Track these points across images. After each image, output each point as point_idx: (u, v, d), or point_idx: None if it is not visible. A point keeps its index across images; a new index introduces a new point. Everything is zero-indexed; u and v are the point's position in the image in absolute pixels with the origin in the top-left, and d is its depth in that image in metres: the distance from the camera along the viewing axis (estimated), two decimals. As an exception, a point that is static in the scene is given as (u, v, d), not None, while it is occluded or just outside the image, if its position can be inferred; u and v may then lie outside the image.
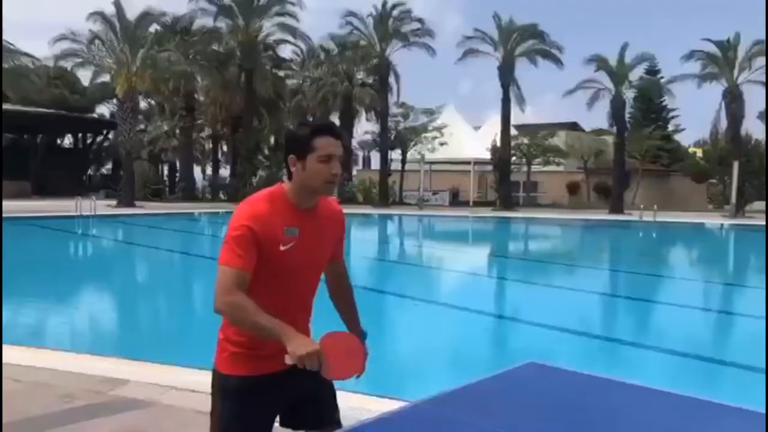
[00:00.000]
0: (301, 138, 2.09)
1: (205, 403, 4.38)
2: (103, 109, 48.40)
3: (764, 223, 26.60)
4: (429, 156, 36.39)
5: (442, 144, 35.20)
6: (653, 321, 9.04)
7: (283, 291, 2.11)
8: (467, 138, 38.50)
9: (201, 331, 7.35)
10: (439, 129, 35.46)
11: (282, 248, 2.05)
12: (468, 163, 38.48)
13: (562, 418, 2.00)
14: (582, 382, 2.35)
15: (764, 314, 7.59)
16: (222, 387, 2.15)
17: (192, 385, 4.63)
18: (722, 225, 27.47)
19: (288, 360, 1.89)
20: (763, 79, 31.19)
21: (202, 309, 9.04)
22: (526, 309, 9.24)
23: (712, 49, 31.57)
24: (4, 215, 20.68)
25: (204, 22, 34.60)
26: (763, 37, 28.55)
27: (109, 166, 47.22)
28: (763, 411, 1.98)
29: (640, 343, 7.40)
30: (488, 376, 2.32)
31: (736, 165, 29.72)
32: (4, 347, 5.46)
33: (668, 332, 7.98)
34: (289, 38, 35.94)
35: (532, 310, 9.00)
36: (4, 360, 5.11)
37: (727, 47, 31.15)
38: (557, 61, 33.18)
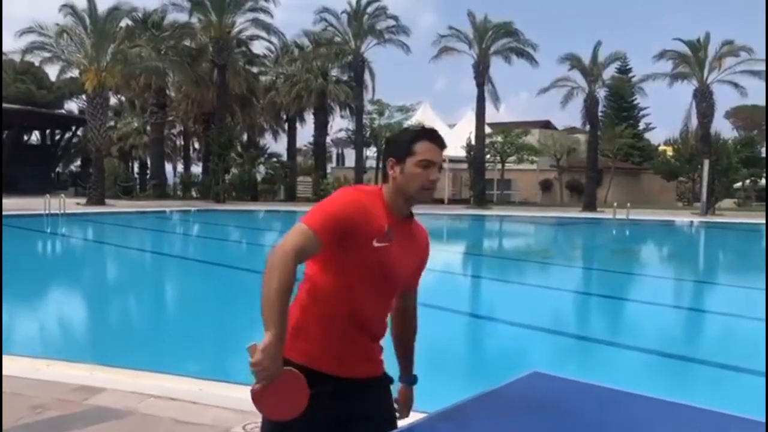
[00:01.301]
0: (403, 141, 2.08)
1: (185, 412, 4.27)
2: (72, 105, 47.61)
3: (734, 221, 27.20)
4: (404, 153, 36.24)
5: (417, 141, 35.11)
6: (631, 319, 9.06)
7: (354, 295, 2.01)
8: (442, 136, 38.39)
9: (178, 334, 7.20)
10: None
11: (375, 244, 1.99)
12: (442, 160, 38.33)
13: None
14: (587, 391, 2.27)
15: (759, 314, 7.64)
16: None
17: (171, 392, 4.46)
18: (692, 222, 27.87)
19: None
20: (731, 79, 31.80)
21: (179, 311, 8.85)
22: (504, 308, 9.20)
23: (683, 48, 32.01)
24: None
25: (176, 17, 34.14)
26: (731, 37, 29.07)
27: (78, 163, 46.40)
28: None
29: (617, 342, 7.40)
30: (493, 388, 2.22)
31: (706, 163, 30.15)
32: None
33: (646, 330, 7.99)
34: (263, 34, 35.65)
35: (510, 309, 8.97)
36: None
37: (698, 47, 31.58)
38: (532, 60, 33.36)
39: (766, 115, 32.02)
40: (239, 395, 3.98)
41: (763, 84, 30.86)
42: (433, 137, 2.08)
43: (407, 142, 2.06)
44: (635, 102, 53.98)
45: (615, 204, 27.50)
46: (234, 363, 5.83)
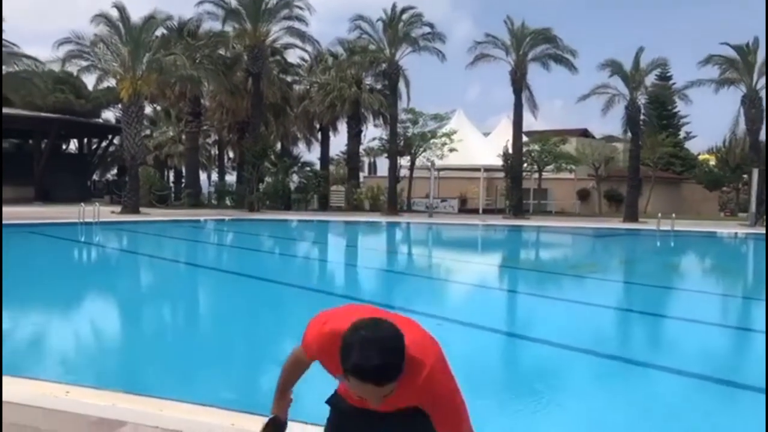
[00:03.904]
0: (342, 360, 1.82)
1: (215, 453, 3.77)
2: (109, 115, 48.11)
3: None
4: (438, 162, 35.76)
5: (451, 150, 34.54)
6: (681, 339, 8.29)
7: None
8: (476, 144, 37.87)
9: (211, 356, 6.69)
10: (448, 135, 34.81)
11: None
12: (477, 169, 37.84)
13: None
14: None
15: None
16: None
17: (199, 428, 3.97)
18: (739, 234, 26.75)
19: None
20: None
21: (213, 329, 8.37)
22: (549, 327, 8.51)
23: (730, 53, 30.89)
24: (3, 222, 20.16)
25: (211, 25, 34.15)
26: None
27: (115, 171, 46.80)
28: None
29: (667, 365, 6.68)
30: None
31: (755, 172, 28.96)
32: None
33: (696, 352, 7.29)
34: (297, 42, 35.41)
35: (555, 327, 8.31)
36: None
37: (747, 51, 30.45)
38: (570, 66, 32.53)
39: (765, 116, 30.59)
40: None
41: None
42: (366, 378, 1.77)
43: (344, 367, 1.82)
44: (676, 110, 52.68)
45: (659, 215, 26.52)
46: (269, 392, 5.31)
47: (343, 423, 2.27)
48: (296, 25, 33.85)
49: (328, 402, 2.33)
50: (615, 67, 31.65)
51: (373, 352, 1.74)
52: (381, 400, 1.80)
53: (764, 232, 26.45)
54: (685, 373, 6.25)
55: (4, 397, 4.40)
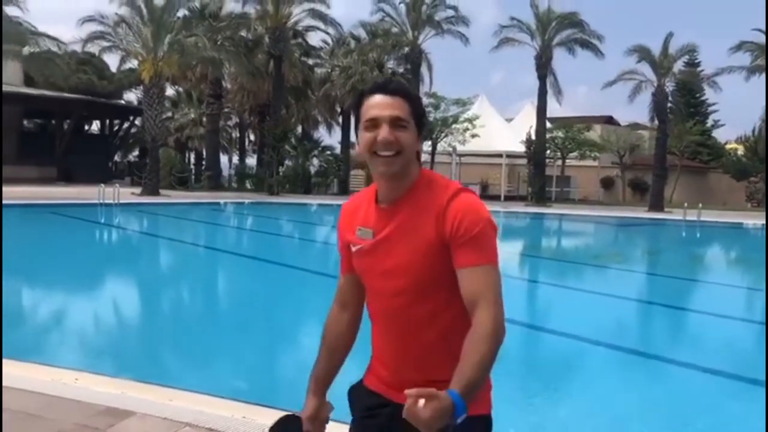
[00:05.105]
0: (355, 110, 1.76)
1: (226, 447, 3.60)
2: (131, 96, 48.21)
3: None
4: (459, 148, 35.39)
5: (473, 136, 34.13)
6: (709, 335, 7.99)
7: (374, 309, 1.82)
8: (499, 130, 37.41)
9: (226, 343, 6.54)
10: (470, 120, 34.38)
11: (353, 249, 1.80)
12: (499, 155, 37.40)
13: None
14: None
15: None
16: None
17: (210, 420, 3.79)
18: (764, 225, 26.13)
19: None
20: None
21: (229, 315, 8.22)
22: (572, 319, 8.25)
23: (763, 40, 30.05)
24: (24, 202, 20.25)
25: (233, 7, 33.97)
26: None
27: (136, 153, 46.97)
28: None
29: (694, 362, 6.40)
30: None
31: (786, 162, 28.25)
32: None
33: (725, 349, 7.00)
34: (319, 25, 35.11)
35: (578, 320, 8.05)
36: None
37: (780, 38, 29.63)
38: (597, 51, 31.90)
39: (765, 114, 29.81)
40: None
41: None
42: (377, 88, 1.70)
43: (355, 108, 1.75)
44: (704, 97, 51.61)
45: (685, 204, 25.98)
46: (285, 384, 5.15)
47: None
48: (318, 7, 33.61)
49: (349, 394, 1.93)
50: (643, 53, 30.98)
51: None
52: (391, 127, 1.65)
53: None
54: (710, 370, 6.00)
55: (11, 383, 4.28)
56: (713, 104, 53.43)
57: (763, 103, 31.96)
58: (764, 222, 26.90)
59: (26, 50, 26.05)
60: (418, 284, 1.69)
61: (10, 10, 24.08)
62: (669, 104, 34.33)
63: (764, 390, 5.02)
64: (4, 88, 31.15)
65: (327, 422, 1.88)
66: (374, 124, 1.66)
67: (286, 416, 1.86)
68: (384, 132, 1.64)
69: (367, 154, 1.69)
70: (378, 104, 1.67)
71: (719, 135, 54.84)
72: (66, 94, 33.30)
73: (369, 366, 1.89)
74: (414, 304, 1.71)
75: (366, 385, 1.87)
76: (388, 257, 1.71)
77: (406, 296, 1.71)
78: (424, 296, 1.70)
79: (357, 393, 1.89)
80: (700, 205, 25.69)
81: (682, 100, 50.56)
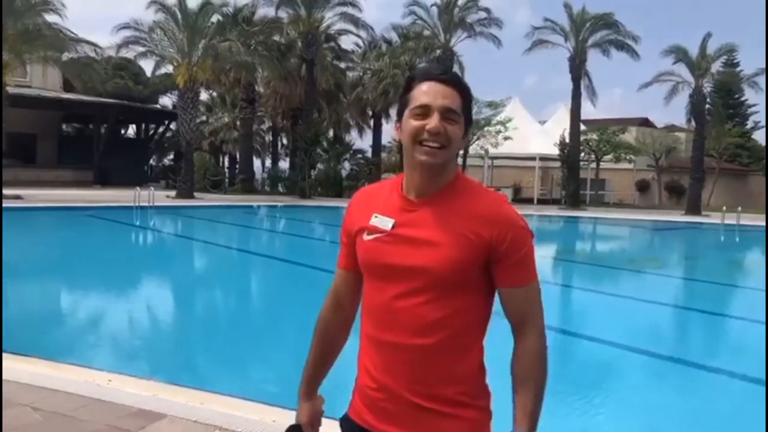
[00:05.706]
0: (402, 93, 1.64)
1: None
2: (166, 101, 48.96)
3: None
4: (492, 151, 35.15)
5: (506, 138, 33.86)
6: (753, 342, 7.75)
7: (374, 304, 1.66)
8: (532, 133, 37.07)
9: (260, 346, 6.55)
10: (503, 123, 34.12)
11: (366, 237, 1.66)
12: (532, 158, 37.05)
13: None
14: None
15: None
16: None
17: (240, 424, 3.79)
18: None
19: None
20: None
21: (262, 318, 8.24)
22: (607, 325, 8.09)
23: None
24: (62, 205, 20.69)
25: (265, 11, 34.26)
26: None
27: (171, 156, 47.65)
28: None
29: (735, 371, 6.21)
30: None
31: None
32: (27, 363, 4.77)
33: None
34: (351, 28, 35.22)
35: (614, 326, 7.89)
36: (26, 381, 4.40)
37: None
38: (633, 53, 31.41)
39: (766, 115, 28.86)
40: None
41: None
42: (432, 74, 1.61)
43: (404, 91, 1.63)
44: (743, 99, 50.47)
45: (723, 208, 25.39)
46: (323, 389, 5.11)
47: None
48: (350, 11, 33.72)
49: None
50: (680, 54, 30.39)
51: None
52: (442, 118, 1.57)
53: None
54: (749, 378, 5.82)
55: (47, 384, 4.34)
56: (753, 105, 52.23)
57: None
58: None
59: (65, 56, 26.58)
60: (437, 286, 1.58)
61: (49, 18, 24.62)
62: (707, 105, 33.57)
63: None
64: (45, 93, 31.96)
65: (322, 415, 1.89)
66: (424, 111, 1.57)
67: (290, 427, 1.85)
68: (434, 121, 1.56)
69: (409, 143, 1.59)
70: (431, 91, 1.58)
71: (760, 137, 53.60)
72: (103, 99, 33.94)
73: (355, 387, 1.75)
74: (423, 305, 1.59)
75: (351, 418, 1.72)
76: (409, 252, 1.59)
77: (419, 296, 1.59)
78: (439, 299, 1.59)
79: (344, 427, 1.78)
80: (739, 208, 25.07)
81: (721, 102, 49.40)
